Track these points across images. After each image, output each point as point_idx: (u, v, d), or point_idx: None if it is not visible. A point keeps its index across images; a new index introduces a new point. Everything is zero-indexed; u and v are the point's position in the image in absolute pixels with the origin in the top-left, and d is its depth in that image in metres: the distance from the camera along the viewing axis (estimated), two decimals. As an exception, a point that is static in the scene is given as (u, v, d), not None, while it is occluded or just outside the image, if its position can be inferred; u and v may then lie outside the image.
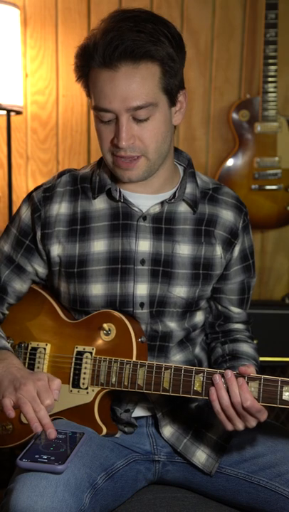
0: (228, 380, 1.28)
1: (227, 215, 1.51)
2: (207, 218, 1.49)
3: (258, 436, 1.45)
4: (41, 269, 1.53)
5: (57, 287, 1.52)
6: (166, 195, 1.47)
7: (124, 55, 1.29)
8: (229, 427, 1.30)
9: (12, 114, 2.55)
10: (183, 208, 1.48)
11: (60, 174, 1.52)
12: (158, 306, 1.46)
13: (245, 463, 1.42)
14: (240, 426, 1.30)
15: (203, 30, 2.68)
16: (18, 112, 2.56)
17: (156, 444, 1.49)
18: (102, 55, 1.29)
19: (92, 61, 1.32)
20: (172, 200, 1.46)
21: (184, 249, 1.47)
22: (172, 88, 1.37)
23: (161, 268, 1.45)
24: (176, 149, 1.53)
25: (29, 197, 1.52)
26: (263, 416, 1.29)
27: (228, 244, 1.51)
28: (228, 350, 1.55)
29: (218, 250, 1.50)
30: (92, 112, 2.75)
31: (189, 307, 1.49)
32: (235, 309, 1.58)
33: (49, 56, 2.71)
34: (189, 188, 1.48)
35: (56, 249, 1.47)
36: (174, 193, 1.46)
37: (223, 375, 1.29)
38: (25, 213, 1.51)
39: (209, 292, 1.53)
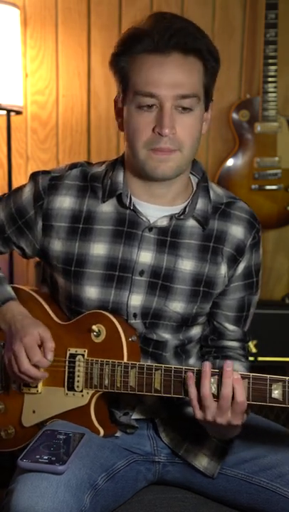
0: (226, 371, 1.26)
1: (237, 231, 1.47)
2: (216, 235, 1.46)
3: (259, 437, 1.44)
4: (28, 251, 1.53)
5: (55, 281, 1.51)
6: (177, 209, 1.44)
7: (178, 45, 1.30)
8: (199, 415, 1.29)
9: (12, 114, 2.55)
10: (191, 223, 1.45)
11: (72, 166, 1.49)
12: (152, 318, 1.44)
13: (245, 464, 1.42)
14: (209, 417, 1.28)
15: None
16: (18, 112, 2.56)
17: (157, 445, 1.49)
18: (157, 40, 1.29)
19: (138, 46, 1.32)
20: (182, 217, 1.43)
21: (186, 265, 1.44)
22: (210, 90, 1.39)
23: (161, 281, 1.43)
24: None
25: (35, 179, 1.49)
26: (239, 420, 1.28)
27: (233, 261, 1.47)
28: (218, 366, 1.53)
29: (223, 269, 1.47)
30: (93, 113, 2.78)
31: (185, 322, 1.47)
32: (231, 326, 1.53)
33: (49, 56, 2.71)
34: (201, 204, 1.45)
35: (56, 245, 1.46)
36: (185, 208, 1.43)
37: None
38: (27, 194, 1.49)
39: (208, 309, 1.50)
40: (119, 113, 1.41)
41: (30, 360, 1.40)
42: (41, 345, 1.42)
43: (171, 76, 1.31)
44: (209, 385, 1.27)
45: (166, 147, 1.33)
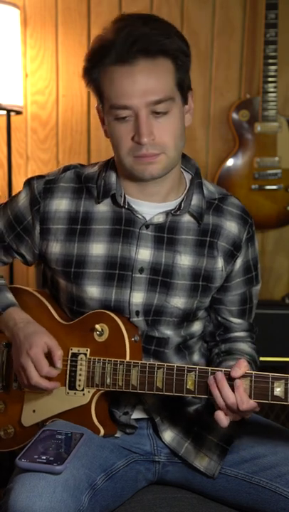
0: (218, 381, 1.27)
1: (231, 227, 1.49)
2: (211, 229, 1.47)
3: (259, 437, 1.44)
4: (28, 257, 1.54)
5: (56, 284, 1.52)
6: (171, 204, 1.45)
7: (141, 51, 1.29)
8: (226, 421, 1.29)
9: (12, 114, 2.55)
10: (187, 218, 1.46)
11: (66, 169, 1.51)
12: (154, 315, 1.45)
13: (245, 463, 1.42)
14: (237, 418, 1.30)
15: (203, 30, 2.68)
16: (18, 112, 2.56)
17: (157, 445, 1.49)
18: (120, 51, 1.29)
19: (106, 59, 1.31)
20: (178, 212, 1.44)
21: (184, 260, 1.45)
22: (184, 84, 1.38)
23: (160, 278, 1.44)
24: (183, 155, 1.51)
25: (29, 184, 1.50)
26: (257, 409, 1.29)
27: (230, 257, 1.49)
28: (224, 349, 1.54)
29: (220, 263, 1.48)
30: (93, 113, 2.78)
31: (186, 317, 1.48)
32: (236, 320, 1.55)
33: (49, 56, 2.71)
34: (195, 200, 1.46)
35: (54, 247, 1.47)
36: (180, 204, 1.44)
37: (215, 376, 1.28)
38: (23, 200, 1.50)
39: (208, 303, 1.51)
40: (103, 121, 1.43)
41: (39, 373, 1.39)
42: (48, 354, 1.42)
43: (141, 84, 1.31)
44: (232, 393, 1.26)
45: (149, 153, 1.35)
